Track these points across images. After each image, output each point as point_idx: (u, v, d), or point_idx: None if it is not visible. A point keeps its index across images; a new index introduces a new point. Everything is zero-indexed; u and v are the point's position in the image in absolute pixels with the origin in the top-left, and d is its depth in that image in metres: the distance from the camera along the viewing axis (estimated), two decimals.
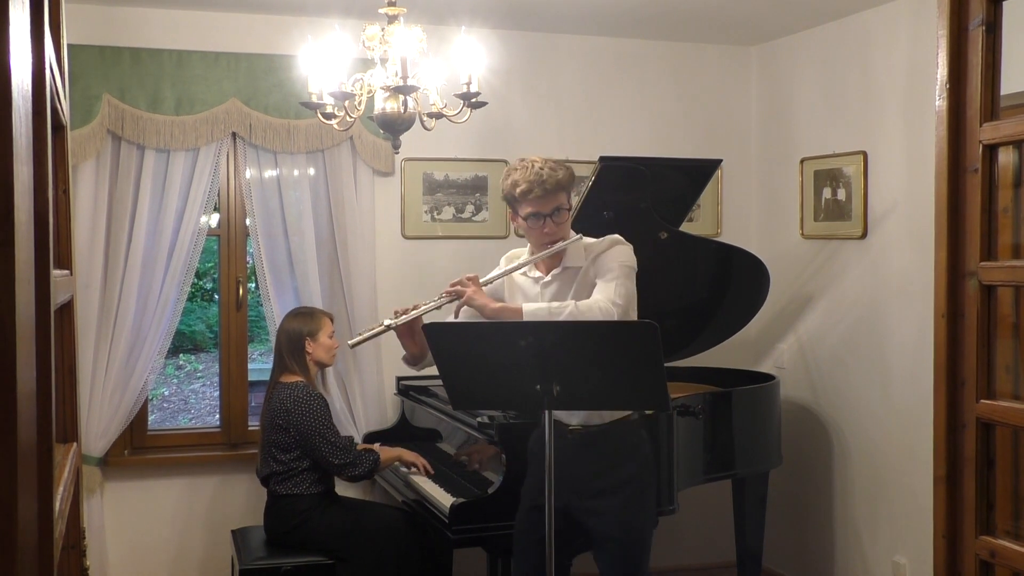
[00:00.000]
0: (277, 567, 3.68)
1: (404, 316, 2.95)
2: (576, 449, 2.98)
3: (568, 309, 2.83)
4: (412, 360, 3.07)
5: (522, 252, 3.13)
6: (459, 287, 2.94)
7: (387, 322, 2.95)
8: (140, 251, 4.13)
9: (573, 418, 3.00)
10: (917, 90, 3.96)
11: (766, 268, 4.18)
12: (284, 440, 3.74)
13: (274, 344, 3.96)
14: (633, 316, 3.01)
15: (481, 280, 2.98)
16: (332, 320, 3.96)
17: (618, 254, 2.96)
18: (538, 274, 3.05)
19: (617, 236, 3.03)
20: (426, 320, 2.90)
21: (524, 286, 3.07)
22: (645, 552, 3.05)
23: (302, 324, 3.85)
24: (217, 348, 4.88)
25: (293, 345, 3.82)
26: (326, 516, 3.77)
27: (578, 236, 3.00)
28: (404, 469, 3.92)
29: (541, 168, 2.91)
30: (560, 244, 2.97)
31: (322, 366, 3.92)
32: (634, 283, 2.97)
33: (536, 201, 2.91)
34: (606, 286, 2.89)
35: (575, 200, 3.50)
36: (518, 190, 2.92)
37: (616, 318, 2.81)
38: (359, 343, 3.01)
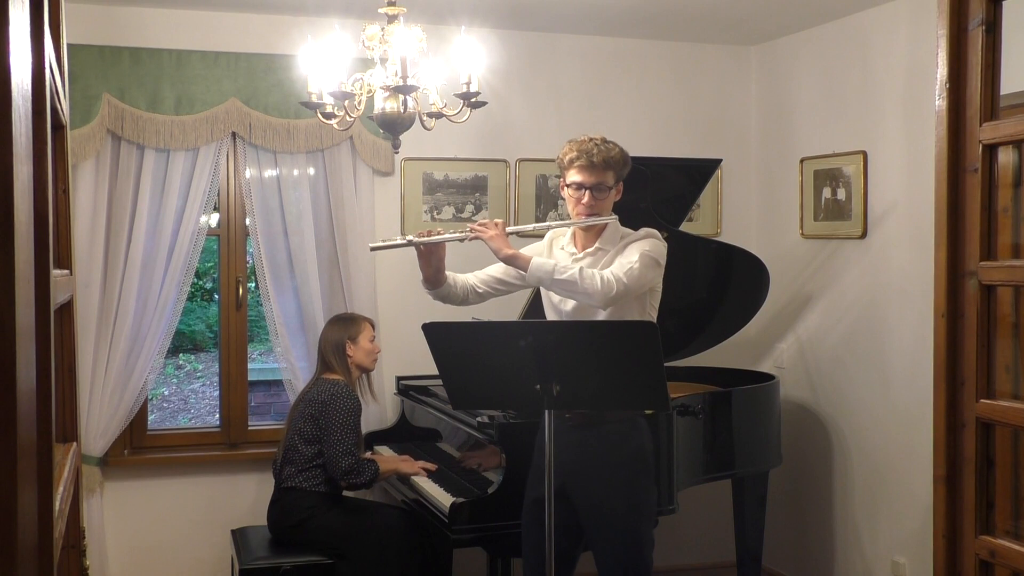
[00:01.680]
0: (277, 567, 3.69)
1: (427, 238, 3.04)
2: (573, 433, 2.99)
3: (571, 271, 2.90)
4: (428, 284, 3.15)
5: (567, 231, 3.20)
6: (482, 228, 3.02)
7: (410, 237, 3.06)
8: (140, 251, 4.13)
9: None
10: (917, 90, 3.96)
11: (766, 268, 4.18)
12: (311, 431, 3.78)
13: (317, 349, 4.02)
14: (648, 307, 3.07)
15: (508, 230, 3.06)
16: (373, 325, 4.01)
17: (646, 244, 3.02)
18: (574, 249, 3.13)
19: (654, 231, 3.10)
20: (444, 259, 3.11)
21: (560, 259, 3.14)
22: (642, 548, 3.05)
23: (343, 329, 3.92)
24: (217, 348, 4.88)
25: (335, 348, 3.89)
26: (329, 515, 3.78)
27: (613, 216, 3.08)
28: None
29: (597, 143, 3.03)
30: (594, 219, 3.04)
31: (363, 370, 3.97)
32: (654, 275, 3.02)
33: (580, 170, 3.02)
34: (619, 264, 2.96)
35: None
36: (567, 157, 3.05)
37: (615, 293, 2.86)
38: (379, 248, 3.17)
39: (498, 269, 3.19)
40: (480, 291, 3.21)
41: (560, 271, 2.90)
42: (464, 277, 3.21)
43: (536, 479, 3.10)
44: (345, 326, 3.94)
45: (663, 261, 3.03)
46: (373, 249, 3.18)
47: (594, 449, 3.01)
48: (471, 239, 3.03)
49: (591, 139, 3.05)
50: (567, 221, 3.13)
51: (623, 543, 3.02)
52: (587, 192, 3.02)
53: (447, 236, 3.05)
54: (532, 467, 3.18)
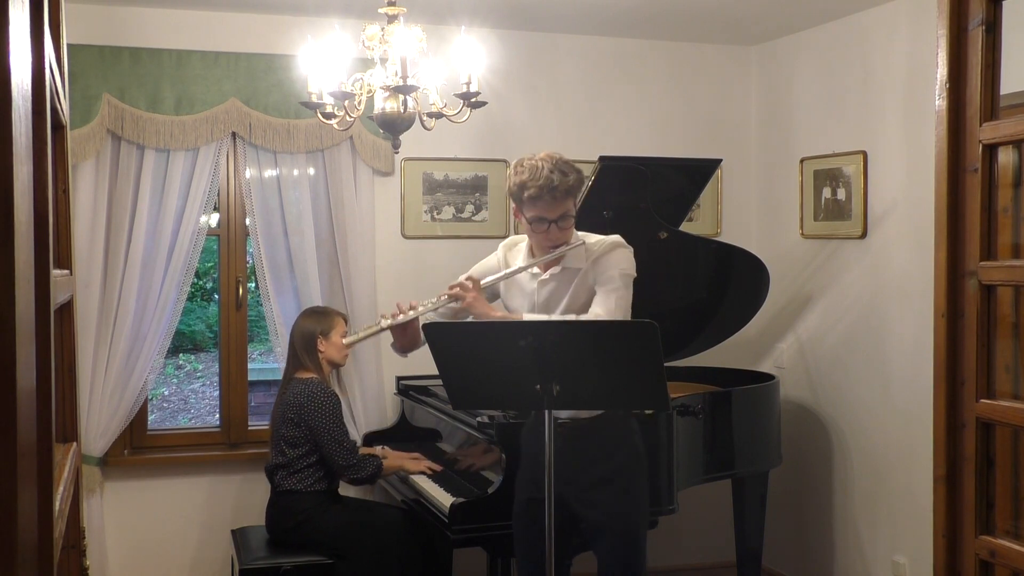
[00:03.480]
0: (277, 567, 3.68)
1: (402, 316, 2.98)
2: (566, 442, 2.97)
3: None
4: (401, 351, 3.12)
5: (521, 241, 3.10)
6: (459, 291, 2.95)
7: (384, 323, 2.99)
8: (140, 251, 4.13)
9: (562, 412, 2.97)
10: (917, 90, 3.96)
11: (766, 268, 4.18)
12: (294, 435, 3.76)
13: (288, 342, 3.99)
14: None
15: (483, 283, 2.99)
16: (346, 321, 4.00)
17: (619, 260, 2.93)
18: (536, 271, 3.02)
19: (618, 238, 3.00)
20: (423, 320, 2.96)
21: (521, 282, 3.06)
22: (640, 544, 3.05)
23: (315, 323, 3.89)
24: (217, 348, 4.88)
25: (306, 343, 3.86)
26: (328, 515, 3.78)
27: (580, 242, 2.96)
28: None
29: (551, 172, 2.82)
30: (562, 248, 2.94)
31: (334, 365, 3.95)
32: (631, 291, 2.96)
33: (543, 207, 2.87)
34: (605, 298, 2.88)
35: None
36: (525, 193, 2.86)
37: None
38: (355, 342, 3.08)
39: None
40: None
41: None
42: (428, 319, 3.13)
43: (525, 481, 3.10)
44: (317, 320, 3.90)
45: (635, 270, 2.96)
46: (348, 345, 3.11)
47: (590, 457, 2.99)
48: (446, 304, 2.96)
49: (544, 166, 2.83)
50: (534, 260, 2.97)
51: (623, 545, 3.02)
52: (551, 225, 2.88)
53: (421, 309, 2.97)
54: (520, 470, 3.17)
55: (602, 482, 3.00)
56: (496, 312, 2.95)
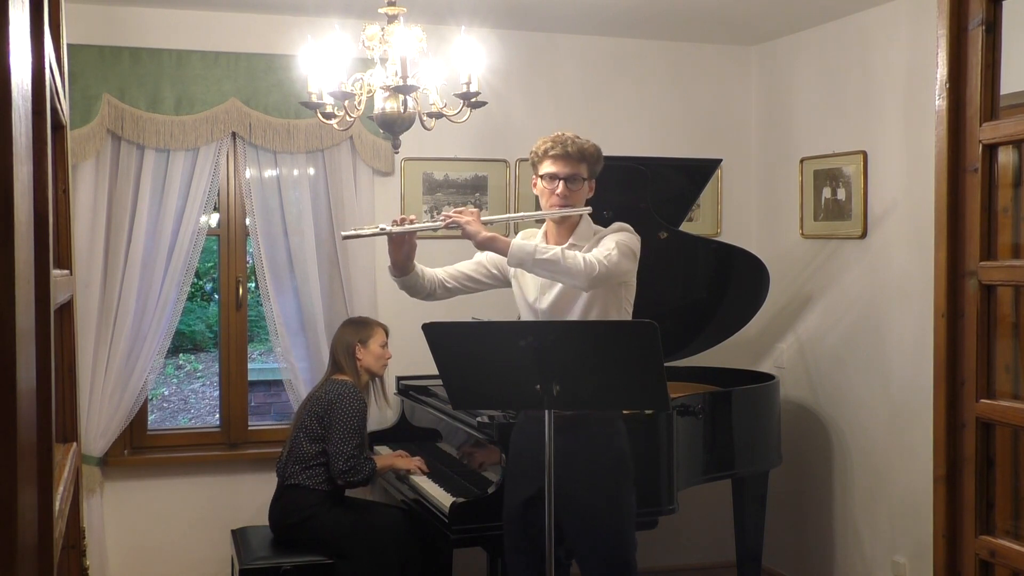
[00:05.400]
0: (277, 567, 3.69)
1: (400, 228, 2.98)
2: (553, 439, 2.96)
3: (553, 251, 2.85)
4: (395, 270, 3.09)
5: (537, 232, 3.18)
6: (459, 214, 2.96)
7: (383, 226, 3.00)
8: (140, 251, 4.13)
9: None
10: (917, 90, 3.96)
11: (766, 268, 4.18)
12: (316, 428, 3.81)
13: (329, 351, 4.06)
14: (624, 302, 3.04)
15: (484, 219, 3.00)
16: (387, 332, 4.03)
17: (620, 235, 3.01)
18: (545, 246, 3.06)
19: (626, 224, 3.08)
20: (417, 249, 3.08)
21: None
22: (628, 549, 3.03)
23: (354, 331, 3.97)
24: (217, 348, 4.88)
25: (346, 350, 3.93)
26: (331, 514, 3.79)
27: (587, 208, 3.06)
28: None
29: (571, 137, 3.05)
30: (568, 210, 3.02)
31: (371, 374, 3.99)
32: (630, 264, 2.99)
33: (555, 161, 3.01)
34: (598, 249, 2.94)
35: None
36: (541, 148, 3.05)
37: (597, 274, 2.83)
38: (352, 237, 3.10)
39: (468, 266, 3.19)
40: (449, 286, 3.18)
41: (541, 251, 2.85)
42: (433, 271, 3.17)
43: (514, 483, 3.10)
44: (357, 329, 3.98)
45: (638, 253, 3.02)
46: (345, 238, 3.11)
47: (575, 454, 2.98)
48: (446, 226, 2.98)
49: (564, 133, 3.06)
50: (539, 212, 3.11)
51: (607, 546, 3.01)
52: (561, 183, 3.01)
53: (422, 225, 3.04)
54: (510, 470, 3.17)
55: (587, 480, 2.98)
56: (487, 233, 2.92)
